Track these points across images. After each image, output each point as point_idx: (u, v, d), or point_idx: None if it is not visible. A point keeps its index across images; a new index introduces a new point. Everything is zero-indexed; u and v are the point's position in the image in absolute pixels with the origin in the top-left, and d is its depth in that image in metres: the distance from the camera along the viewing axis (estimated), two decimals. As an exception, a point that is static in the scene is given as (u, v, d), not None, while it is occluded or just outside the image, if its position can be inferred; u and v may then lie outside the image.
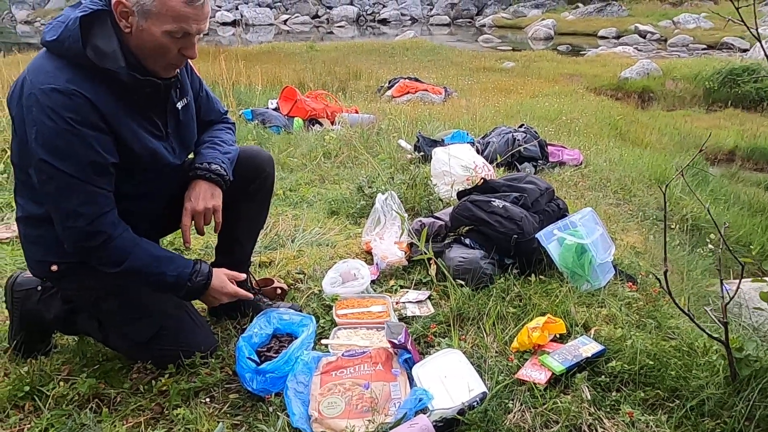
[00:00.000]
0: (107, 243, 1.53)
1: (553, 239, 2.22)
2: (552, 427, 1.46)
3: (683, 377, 1.53)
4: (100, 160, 1.49)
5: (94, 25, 1.48)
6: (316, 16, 27.59)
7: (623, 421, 1.45)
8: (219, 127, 1.90)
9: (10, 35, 20.10)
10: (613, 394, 1.54)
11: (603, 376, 1.59)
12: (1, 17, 26.73)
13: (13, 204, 3.25)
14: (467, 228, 2.27)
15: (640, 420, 1.43)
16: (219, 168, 1.75)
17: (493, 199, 2.30)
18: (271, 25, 25.57)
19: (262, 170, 1.92)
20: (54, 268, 1.64)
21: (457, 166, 2.99)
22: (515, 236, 2.18)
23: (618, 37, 18.92)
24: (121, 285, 1.69)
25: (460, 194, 2.46)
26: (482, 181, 2.48)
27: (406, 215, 2.40)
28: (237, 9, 26.90)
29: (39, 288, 1.83)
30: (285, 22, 26.19)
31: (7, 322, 1.91)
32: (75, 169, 1.46)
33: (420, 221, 2.42)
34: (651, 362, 1.58)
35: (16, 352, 1.84)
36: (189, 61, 1.79)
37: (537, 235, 2.21)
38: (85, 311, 1.77)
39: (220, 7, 27.01)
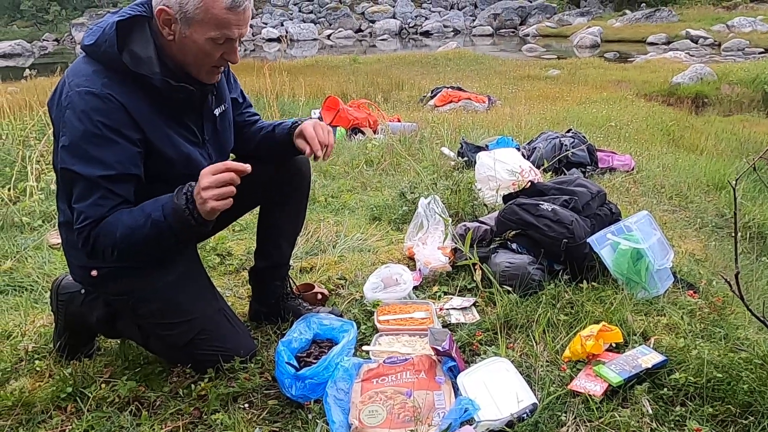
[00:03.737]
0: (99, 227, 1.46)
1: (606, 244, 2.10)
2: (610, 443, 1.35)
3: (758, 391, 1.39)
4: (119, 167, 1.47)
5: (133, 30, 1.49)
6: (359, 30, 27.89)
7: (690, 438, 1.33)
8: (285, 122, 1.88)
9: (70, 56, 21.14)
10: (678, 408, 1.42)
11: (665, 389, 1.46)
12: (63, 39, 28.14)
13: (65, 211, 3.37)
14: (514, 232, 2.17)
15: (709, 437, 1.31)
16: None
17: (541, 203, 2.20)
18: (315, 40, 25.99)
19: (298, 170, 1.89)
20: (94, 273, 1.64)
21: (503, 170, 2.90)
22: (565, 240, 2.07)
23: (668, 43, 18.32)
24: (159, 289, 1.67)
25: (506, 198, 2.37)
26: (530, 184, 2.38)
27: (449, 219, 2.32)
28: (282, 25, 27.50)
29: (83, 291, 1.84)
30: (329, 36, 26.58)
31: (54, 324, 1.93)
32: (92, 173, 1.44)
33: (464, 225, 2.34)
34: (719, 375, 1.45)
35: (60, 353, 1.86)
36: (229, 66, 1.79)
37: (589, 240, 2.09)
38: (126, 315, 1.77)
39: (265, 23, 27.68)
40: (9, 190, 3.54)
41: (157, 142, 1.52)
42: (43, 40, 28.06)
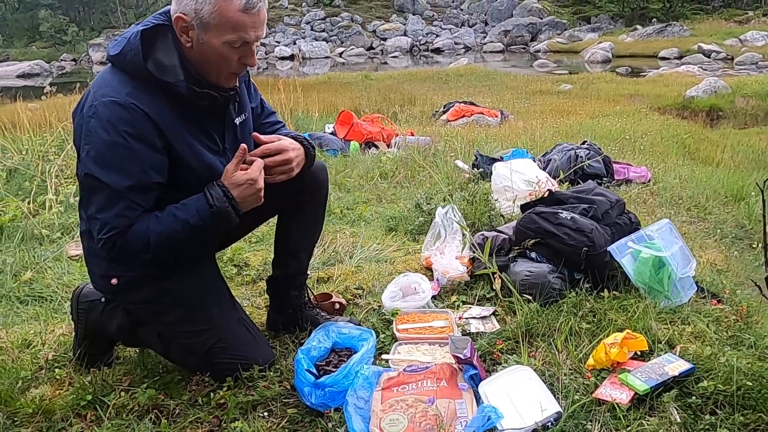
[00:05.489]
0: (127, 236, 1.48)
1: (627, 252, 2.08)
2: (639, 452, 1.32)
3: (790, 400, 1.36)
4: (143, 177, 1.48)
5: (157, 39, 1.51)
6: (371, 47, 28.18)
7: (721, 447, 1.29)
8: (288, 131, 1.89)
9: (87, 75, 21.55)
10: (707, 417, 1.38)
11: (693, 397, 1.43)
12: (80, 59, 28.70)
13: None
14: (533, 241, 2.15)
15: (741, 446, 1.27)
16: (309, 145, 1.77)
17: (560, 211, 2.18)
18: (327, 57, 26.27)
19: (317, 177, 1.89)
20: (114, 281, 1.65)
21: (519, 180, 2.88)
22: (585, 249, 2.04)
23: (680, 58, 18.29)
24: (179, 297, 1.67)
25: (524, 207, 2.35)
26: (548, 192, 2.36)
27: (467, 228, 2.31)
28: (295, 44, 27.85)
29: (103, 300, 1.85)
30: (340, 54, 26.85)
31: (73, 333, 1.93)
32: (118, 183, 1.46)
33: (482, 235, 2.33)
34: (749, 383, 1.41)
35: (79, 362, 1.86)
36: (249, 76, 1.80)
37: (609, 249, 2.07)
38: (146, 324, 1.77)
39: (278, 42, 28.06)
40: (29, 203, 3.59)
41: (181, 150, 1.53)
42: (61, 60, 28.64)
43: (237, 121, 1.70)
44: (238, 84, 1.63)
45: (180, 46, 1.51)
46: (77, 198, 3.70)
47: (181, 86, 1.50)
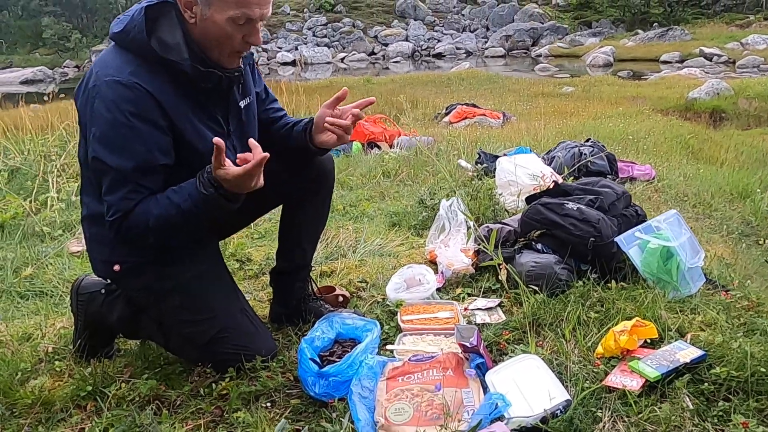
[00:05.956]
0: (129, 218, 1.46)
1: (634, 243, 2.05)
2: (651, 439, 1.28)
3: (805, 385, 1.33)
4: (149, 158, 1.46)
5: (160, 16, 1.48)
6: (372, 53, 28.22)
7: (735, 432, 1.26)
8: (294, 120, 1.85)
9: (89, 81, 21.63)
10: (720, 403, 1.35)
11: (706, 384, 1.40)
12: (83, 66, 28.82)
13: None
14: (539, 232, 2.12)
15: (757, 430, 1.23)
16: None
17: (566, 202, 2.15)
18: (328, 63, 26.32)
19: (324, 167, 1.86)
20: (116, 268, 1.62)
21: (524, 175, 2.86)
22: (592, 239, 2.02)
23: (682, 61, 18.29)
24: (181, 285, 1.65)
25: (530, 199, 2.33)
26: (554, 184, 2.34)
27: (472, 217, 2.28)
28: (297, 49, 27.92)
29: (103, 291, 1.82)
30: (342, 60, 26.91)
31: (73, 326, 1.91)
32: (123, 164, 1.43)
33: (488, 227, 2.30)
34: (763, 369, 1.38)
35: (79, 354, 1.83)
36: (254, 61, 1.78)
37: (616, 239, 2.04)
38: (147, 313, 1.74)
39: (280, 48, 28.13)
40: (30, 202, 3.57)
41: (184, 131, 1.51)
42: (64, 66, 28.77)
43: (242, 104, 1.67)
44: (242, 66, 1.60)
45: (184, 23, 1.48)
46: (78, 196, 3.70)
47: (186, 65, 1.47)
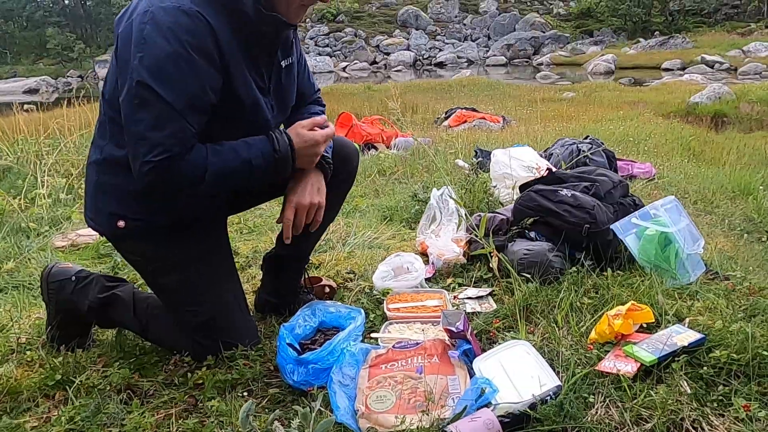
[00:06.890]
0: (182, 163, 1.34)
1: (631, 231, 1.97)
2: (646, 424, 1.20)
3: (810, 367, 1.24)
4: (202, 95, 1.34)
5: None
6: (374, 62, 28.33)
7: (736, 416, 1.17)
8: (316, 109, 1.75)
9: (93, 91, 21.75)
10: (720, 387, 1.27)
11: (705, 368, 1.31)
12: (86, 76, 28.99)
13: (72, 218, 3.32)
14: (532, 219, 2.05)
15: (759, 414, 1.15)
16: (327, 154, 1.62)
17: (560, 189, 2.08)
18: (330, 72, 26.40)
19: (350, 161, 1.76)
20: (121, 224, 1.50)
21: (519, 167, 2.79)
22: (587, 226, 1.94)
23: (683, 69, 18.25)
24: (180, 261, 1.56)
25: (523, 186, 2.25)
26: (548, 172, 2.26)
27: (462, 203, 2.21)
28: (299, 59, 28.01)
29: (73, 278, 1.75)
30: (344, 69, 26.99)
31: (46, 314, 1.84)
32: (175, 99, 1.30)
33: (479, 215, 2.22)
34: (765, 352, 1.30)
35: (51, 343, 1.76)
36: (296, 29, 1.67)
37: (612, 227, 1.96)
38: (146, 281, 1.67)
39: (282, 58, 28.22)
40: (19, 199, 3.52)
41: (234, 76, 1.40)
42: (68, 76, 28.94)
43: (283, 64, 1.58)
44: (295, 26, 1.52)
45: None
46: (66, 194, 3.64)
47: (248, 5, 1.37)
